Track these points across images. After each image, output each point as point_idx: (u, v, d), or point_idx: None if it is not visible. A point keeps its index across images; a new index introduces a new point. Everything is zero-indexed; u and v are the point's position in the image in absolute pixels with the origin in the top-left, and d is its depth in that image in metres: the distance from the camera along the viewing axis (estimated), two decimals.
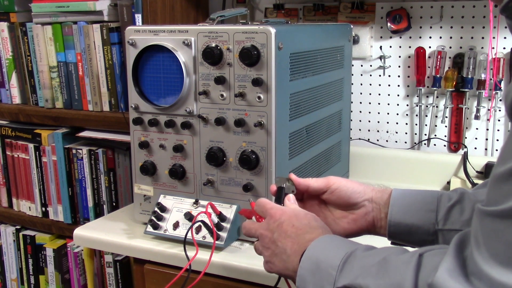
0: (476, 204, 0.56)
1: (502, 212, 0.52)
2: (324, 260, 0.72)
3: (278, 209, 0.84)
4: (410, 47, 1.64)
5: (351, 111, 1.65)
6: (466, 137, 1.62)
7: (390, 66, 1.67)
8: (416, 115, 1.67)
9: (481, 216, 0.55)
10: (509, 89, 0.55)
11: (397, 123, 1.70)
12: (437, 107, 1.63)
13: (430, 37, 1.61)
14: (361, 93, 1.72)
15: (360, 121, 1.74)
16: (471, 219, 0.85)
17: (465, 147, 1.60)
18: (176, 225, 1.21)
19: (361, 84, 1.72)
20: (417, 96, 1.64)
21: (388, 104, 1.70)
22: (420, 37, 1.62)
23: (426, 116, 1.65)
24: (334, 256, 0.71)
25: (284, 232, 0.79)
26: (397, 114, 1.69)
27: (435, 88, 1.60)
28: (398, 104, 1.69)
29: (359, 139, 1.75)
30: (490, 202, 0.54)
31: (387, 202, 0.91)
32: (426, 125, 1.66)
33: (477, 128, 1.61)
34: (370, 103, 1.72)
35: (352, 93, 1.64)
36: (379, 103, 1.71)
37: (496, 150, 1.59)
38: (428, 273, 0.59)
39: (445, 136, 1.65)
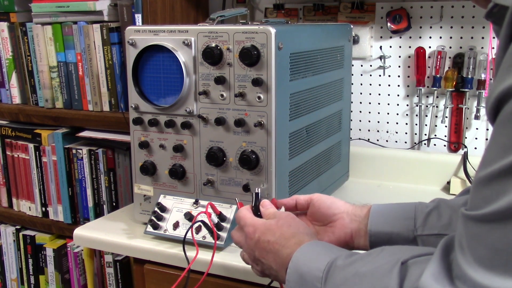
0: (461, 208, 0.57)
1: (484, 216, 0.53)
2: (307, 272, 0.73)
3: (250, 225, 0.85)
4: (410, 47, 1.64)
5: (351, 111, 1.65)
6: (466, 137, 1.62)
7: (390, 66, 1.67)
8: (416, 115, 1.67)
9: (464, 220, 0.56)
10: (489, 94, 0.55)
11: (397, 123, 1.70)
12: (437, 107, 1.63)
13: (430, 37, 1.61)
14: (361, 93, 1.72)
15: (360, 121, 1.74)
16: (449, 224, 0.87)
17: (465, 147, 1.60)
18: (176, 225, 1.21)
19: (361, 84, 1.72)
20: (417, 96, 1.64)
21: (388, 104, 1.70)
22: (420, 37, 1.62)
23: (426, 116, 1.65)
24: (316, 268, 0.72)
25: (263, 249, 0.81)
26: (397, 114, 1.69)
27: (435, 88, 1.60)
28: (398, 104, 1.69)
29: (359, 139, 1.75)
30: (473, 206, 0.55)
31: (367, 214, 0.95)
32: (426, 125, 1.66)
33: (477, 128, 1.61)
34: (370, 103, 1.72)
35: (352, 93, 1.64)
36: (379, 103, 1.71)
37: None
38: (414, 281, 0.59)
39: (445, 136, 1.65)
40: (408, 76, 1.66)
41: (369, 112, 1.73)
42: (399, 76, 1.67)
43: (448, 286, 0.55)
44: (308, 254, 0.75)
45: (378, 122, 1.72)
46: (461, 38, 1.58)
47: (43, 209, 1.88)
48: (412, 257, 0.64)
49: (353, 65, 1.61)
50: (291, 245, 0.78)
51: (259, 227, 0.83)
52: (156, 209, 1.24)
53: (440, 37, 1.60)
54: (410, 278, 0.61)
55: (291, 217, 0.86)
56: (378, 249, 0.71)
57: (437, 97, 1.62)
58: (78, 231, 1.33)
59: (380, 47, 1.66)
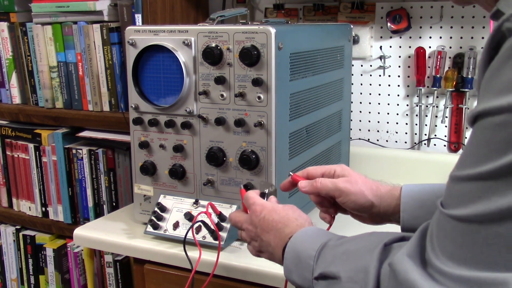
0: (438, 199, 0.60)
1: (450, 214, 0.56)
2: (303, 251, 0.78)
3: (259, 204, 0.90)
4: (410, 47, 1.64)
5: (351, 111, 1.65)
6: (466, 137, 1.62)
7: (390, 66, 1.67)
8: (416, 115, 1.67)
9: (438, 210, 0.59)
10: (473, 108, 0.57)
11: (397, 123, 1.70)
12: (437, 107, 1.63)
13: (430, 37, 1.61)
14: (361, 93, 1.72)
15: (360, 121, 1.74)
16: None
17: None
18: (176, 225, 1.21)
19: (361, 84, 1.72)
20: (417, 96, 1.64)
21: (388, 104, 1.70)
22: (420, 37, 1.62)
23: (426, 116, 1.65)
24: (311, 248, 0.77)
25: (266, 227, 0.86)
26: (397, 114, 1.69)
27: (435, 88, 1.60)
28: (398, 104, 1.69)
29: (359, 139, 1.75)
30: (445, 202, 0.58)
31: (395, 210, 0.94)
32: (426, 125, 1.66)
33: None
34: (370, 103, 1.72)
35: (352, 93, 1.64)
36: (379, 103, 1.71)
37: None
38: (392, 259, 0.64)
39: (445, 136, 1.65)
40: (408, 76, 1.66)
41: (369, 112, 1.73)
42: (399, 76, 1.67)
43: (418, 264, 0.59)
44: (305, 235, 0.81)
45: (378, 122, 1.72)
46: (461, 38, 1.58)
47: (43, 209, 1.88)
48: (396, 240, 0.69)
49: (353, 65, 1.61)
50: (293, 226, 0.84)
51: (267, 207, 0.89)
52: (156, 209, 1.24)
53: (440, 37, 1.60)
54: (391, 258, 0.65)
55: (296, 207, 0.90)
56: (368, 233, 0.76)
57: (437, 97, 1.62)
58: (78, 231, 1.33)
59: (380, 47, 1.66)
